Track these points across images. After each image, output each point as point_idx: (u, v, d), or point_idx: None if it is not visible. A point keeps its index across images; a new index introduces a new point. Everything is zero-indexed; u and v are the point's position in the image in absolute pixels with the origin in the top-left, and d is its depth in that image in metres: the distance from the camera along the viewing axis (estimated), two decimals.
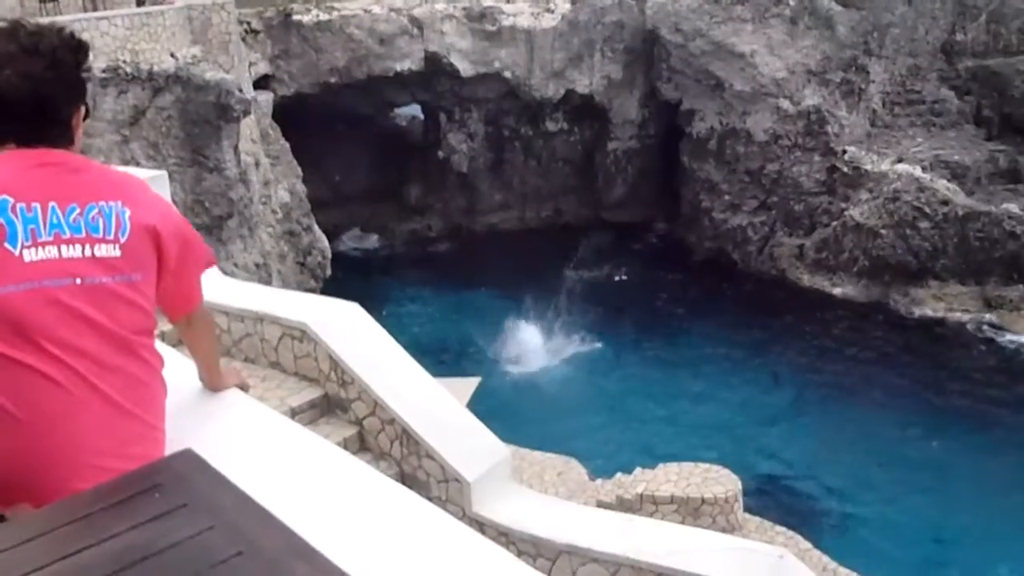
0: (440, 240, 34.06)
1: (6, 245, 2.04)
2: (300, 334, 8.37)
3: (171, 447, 2.18)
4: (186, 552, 1.45)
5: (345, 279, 22.65)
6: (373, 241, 34.24)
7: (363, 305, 8.39)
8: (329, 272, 22.67)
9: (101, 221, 2.14)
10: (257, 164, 20.33)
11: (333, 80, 30.44)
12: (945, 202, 25.78)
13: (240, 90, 18.15)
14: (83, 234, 2.11)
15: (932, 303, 26.09)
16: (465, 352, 25.34)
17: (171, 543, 1.46)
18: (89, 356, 2.08)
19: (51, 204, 2.10)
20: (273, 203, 20.65)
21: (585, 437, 20.11)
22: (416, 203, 35.20)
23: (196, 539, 1.46)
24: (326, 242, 22.86)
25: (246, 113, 18.56)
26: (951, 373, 23.31)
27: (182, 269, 2.37)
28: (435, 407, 8.02)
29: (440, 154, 33.82)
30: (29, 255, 2.06)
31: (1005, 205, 25.65)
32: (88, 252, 2.11)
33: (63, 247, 2.09)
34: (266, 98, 24.95)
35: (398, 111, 37.53)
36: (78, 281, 2.09)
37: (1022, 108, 28.44)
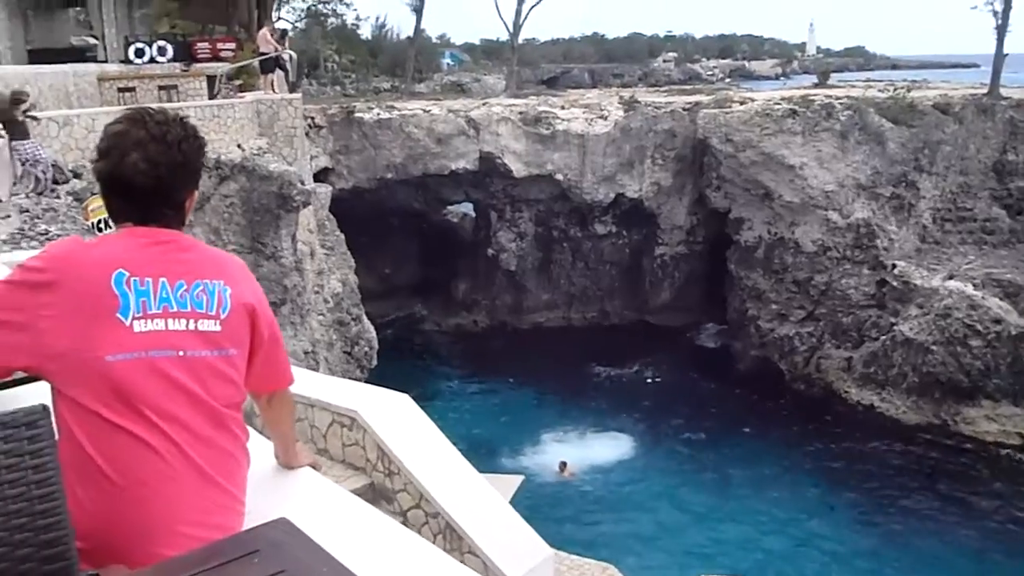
0: (486, 336, 34.21)
1: (118, 315, 2.17)
2: (350, 422, 8.43)
3: (249, 521, 2.24)
4: None
5: (390, 370, 22.79)
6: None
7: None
8: (375, 363, 22.82)
9: (205, 298, 2.27)
10: (312, 254, 20.79)
11: (390, 175, 31.29)
12: (997, 320, 25.35)
13: (302, 182, 18.73)
14: (188, 309, 2.24)
15: (984, 424, 25.41)
16: (507, 448, 25.15)
17: None
18: (185, 426, 2.18)
19: (162, 280, 2.23)
20: (325, 292, 21.01)
21: (624, 541, 19.71)
22: (464, 298, 35.54)
23: None
24: (374, 332, 23.07)
25: (306, 204, 19.10)
26: (1008, 499, 22.51)
27: (273, 347, 2.48)
28: (480, 503, 7.96)
29: (490, 251, 34.28)
30: (139, 326, 2.18)
31: None
32: (192, 326, 2.23)
33: (170, 320, 2.21)
34: (325, 190, 25.68)
35: (450, 208, 38.29)
36: (181, 353, 2.20)
37: None
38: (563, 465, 23.48)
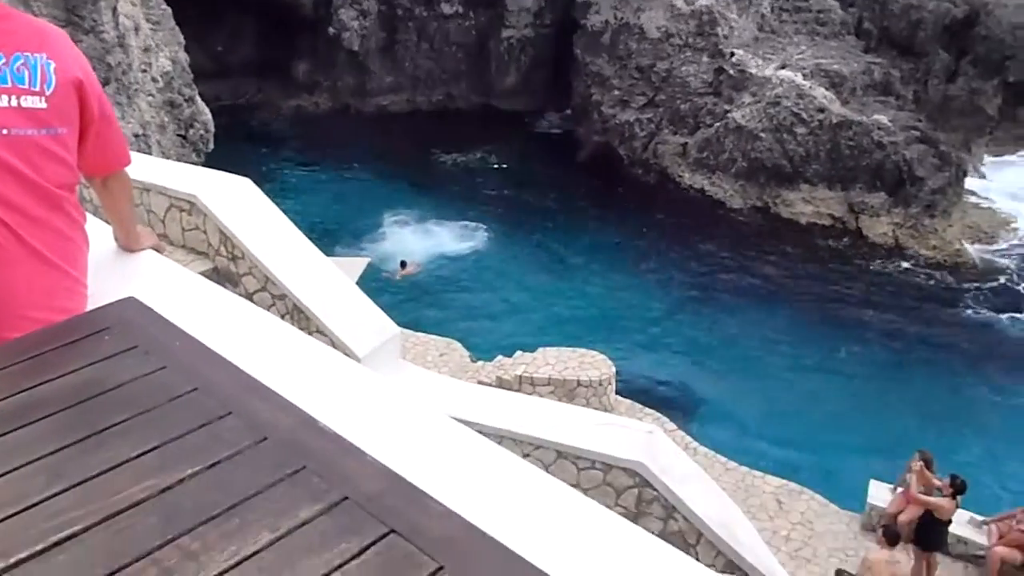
0: (327, 119, 33.21)
1: None
2: (189, 206, 8.24)
3: (93, 303, 2.24)
4: (142, 388, 1.56)
5: (228, 154, 21.95)
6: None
7: None
8: (212, 147, 21.84)
9: (27, 72, 2.12)
10: (137, 29, 19.16)
11: None
12: (821, 110, 26.77)
13: None
14: (9, 84, 2.09)
15: (801, 205, 27.37)
16: (350, 234, 25.21)
17: (126, 380, 1.58)
18: (17, 208, 2.10)
19: None
20: (153, 71, 19.58)
21: (467, 321, 20.60)
22: (304, 79, 34.06)
23: (150, 377, 1.58)
24: (209, 115, 21.88)
25: None
26: (817, 275, 24.80)
27: (105, 125, 2.38)
28: (326, 284, 8.11)
29: (331, 30, 32.62)
30: None
31: (876, 116, 26.83)
32: (14, 103, 2.09)
33: None
34: None
35: None
36: (4, 132, 2.08)
37: (900, 23, 29.41)
38: (403, 264, 23.46)
